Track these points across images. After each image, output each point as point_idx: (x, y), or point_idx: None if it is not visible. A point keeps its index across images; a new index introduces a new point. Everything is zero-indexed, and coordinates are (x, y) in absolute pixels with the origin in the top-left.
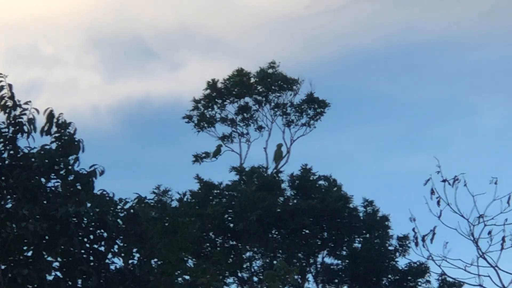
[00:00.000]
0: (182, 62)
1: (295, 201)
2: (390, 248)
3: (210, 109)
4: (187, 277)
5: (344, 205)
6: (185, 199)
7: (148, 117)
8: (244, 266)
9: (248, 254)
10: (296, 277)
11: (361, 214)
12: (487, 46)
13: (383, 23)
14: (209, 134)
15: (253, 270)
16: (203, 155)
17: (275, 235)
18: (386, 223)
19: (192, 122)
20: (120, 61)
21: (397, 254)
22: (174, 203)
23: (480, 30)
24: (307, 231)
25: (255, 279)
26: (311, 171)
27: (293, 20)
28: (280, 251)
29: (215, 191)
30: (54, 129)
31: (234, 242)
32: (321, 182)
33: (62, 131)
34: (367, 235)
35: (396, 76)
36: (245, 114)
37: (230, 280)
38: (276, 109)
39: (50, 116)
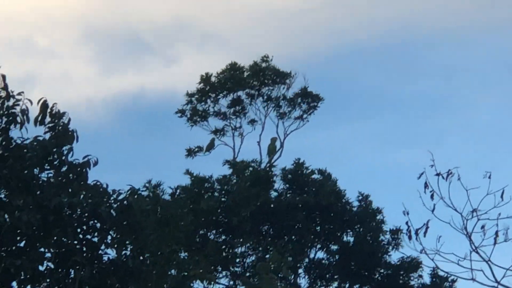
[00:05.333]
0: (177, 56)
1: (288, 196)
2: (382, 241)
3: (203, 103)
4: (179, 269)
5: (337, 199)
6: (176, 194)
7: (142, 111)
8: (237, 261)
9: (240, 249)
10: (288, 271)
11: (355, 208)
12: (484, 40)
13: (378, 18)
14: (202, 128)
15: (246, 266)
16: (196, 149)
17: (268, 231)
18: (379, 216)
19: (185, 116)
20: (115, 54)
21: (390, 248)
22: (167, 197)
23: (477, 24)
24: (300, 226)
25: (248, 274)
26: (304, 165)
27: (288, 14)
28: (273, 247)
29: (206, 185)
30: (47, 119)
31: (227, 237)
32: (315, 176)
33: (56, 121)
34: (360, 229)
35: (391, 71)
36: (237, 107)
37: (222, 274)
38: (268, 102)
39: (44, 106)
